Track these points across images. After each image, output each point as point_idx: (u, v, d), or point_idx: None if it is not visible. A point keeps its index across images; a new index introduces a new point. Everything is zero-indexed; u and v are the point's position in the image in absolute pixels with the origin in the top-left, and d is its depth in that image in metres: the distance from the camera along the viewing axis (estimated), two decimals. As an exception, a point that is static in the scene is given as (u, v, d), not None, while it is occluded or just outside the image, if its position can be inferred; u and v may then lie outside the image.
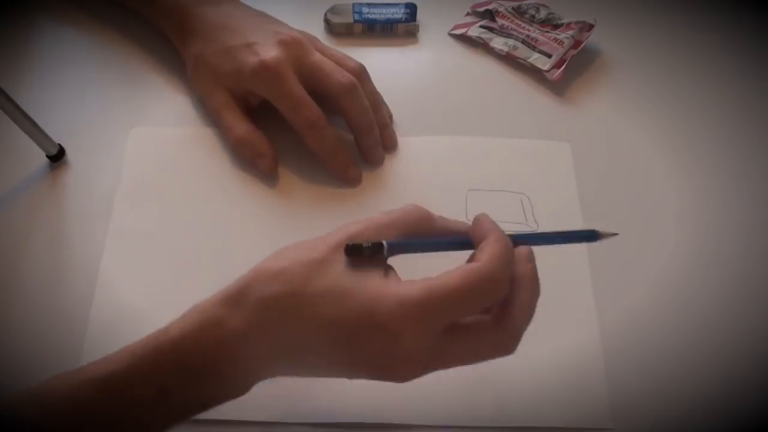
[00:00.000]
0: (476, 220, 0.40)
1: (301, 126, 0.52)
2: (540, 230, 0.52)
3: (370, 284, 0.37)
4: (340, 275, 0.37)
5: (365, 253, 0.37)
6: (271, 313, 0.37)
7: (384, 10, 0.63)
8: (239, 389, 0.39)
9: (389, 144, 0.56)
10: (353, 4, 0.64)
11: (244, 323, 0.37)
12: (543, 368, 0.46)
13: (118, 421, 0.36)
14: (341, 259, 0.37)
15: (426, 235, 0.41)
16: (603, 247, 0.51)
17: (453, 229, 0.42)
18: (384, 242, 0.37)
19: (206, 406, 0.39)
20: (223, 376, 0.38)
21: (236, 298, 0.37)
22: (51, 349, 0.45)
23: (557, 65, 0.60)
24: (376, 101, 0.56)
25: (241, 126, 0.54)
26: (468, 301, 0.36)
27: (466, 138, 0.57)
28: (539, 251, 0.44)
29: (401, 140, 0.57)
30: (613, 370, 0.46)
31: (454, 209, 0.52)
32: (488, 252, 0.37)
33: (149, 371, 0.36)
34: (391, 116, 0.58)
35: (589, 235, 0.42)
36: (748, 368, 0.47)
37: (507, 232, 0.39)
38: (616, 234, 0.42)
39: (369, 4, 0.64)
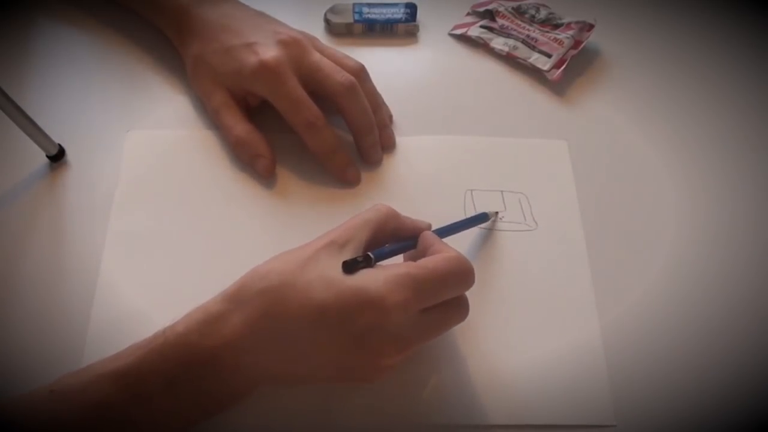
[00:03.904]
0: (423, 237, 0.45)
1: (300, 126, 0.52)
2: (531, 230, 0.53)
3: (357, 272, 0.40)
4: (328, 266, 0.40)
5: (360, 266, 0.40)
6: (269, 304, 0.39)
7: (384, 10, 0.63)
8: (241, 386, 0.41)
9: (388, 144, 0.56)
10: (353, 4, 0.64)
11: (244, 316, 0.39)
12: (545, 366, 0.46)
13: (132, 416, 0.38)
14: (327, 256, 0.41)
15: (394, 229, 0.45)
16: (603, 245, 0.51)
17: (418, 227, 0.46)
18: (371, 254, 0.41)
19: (210, 409, 0.41)
20: (226, 370, 0.40)
21: (236, 294, 0.40)
22: (53, 348, 0.45)
23: (557, 65, 0.60)
24: (375, 101, 0.56)
25: (240, 126, 0.54)
26: (447, 281, 0.41)
27: (463, 137, 0.57)
28: (541, 255, 0.51)
29: (400, 140, 0.57)
30: (614, 367, 0.46)
31: (452, 209, 0.53)
32: (453, 250, 0.42)
33: (158, 363, 0.39)
34: (390, 116, 0.58)
35: (482, 218, 0.51)
36: (749, 365, 0.47)
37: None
38: (497, 212, 0.52)
39: (369, 4, 0.64)
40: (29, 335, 0.46)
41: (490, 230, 0.52)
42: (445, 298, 0.41)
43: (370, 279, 0.39)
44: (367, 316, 0.38)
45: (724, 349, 0.48)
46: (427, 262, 0.41)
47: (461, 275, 0.41)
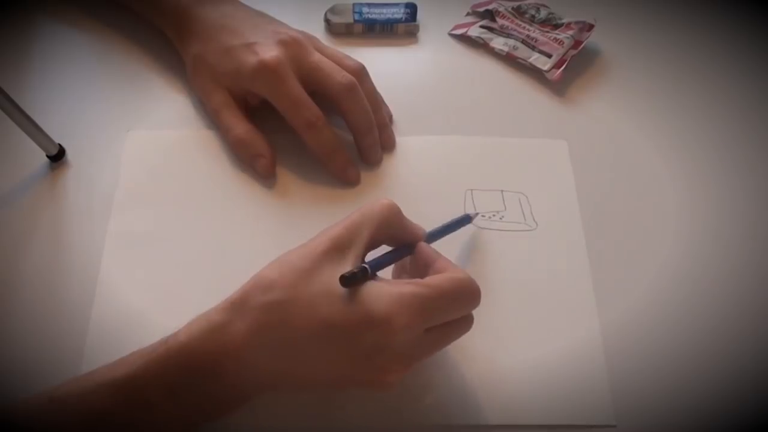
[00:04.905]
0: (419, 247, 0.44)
1: (300, 126, 0.52)
2: (531, 229, 0.53)
3: (363, 286, 0.39)
4: (331, 278, 0.39)
5: (358, 277, 0.39)
6: (272, 318, 0.39)
7: (384, 10, 0.63)
8: (243, 393, 0.41)
9: (388, 144, 0.56)
10: (353, 4, 0.64)
11: (247, 326, 0.39)
12: (545, 366, 0.46)
13: (133, 423, 0.38)
14: (330, 265, 0.40)
15: (396, 228, 0.44)
16: (603, 245, 0.51)
17: (415, 232, 0.45)
18: (368, 266, 0.40)
19: (212, 414, 0.41)
20: (228, 378, 0.39)
21: (238, 303, 0.40)
22: (53, 349, 0.45)
23: (557, 65, 0.60)
24: (375, 101, 0.56)
25: (240, 126, 0.54)
26: (454, 303, 0.40)
27: (463, 137, 0.57)
28: (541, 255, 0.51)
29: (400, 140, 0.57)
30: (614, 367, 0.46)
31: (452, 209, 0.52)
32: (461, 270, 0.41)
33: (159, 372, 0.38)
34: (390, 116, 0.58)
35: (465, 220, 0.50)
36: (749, 365, 0.47)
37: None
38: (477, 213, 0.52)
39: (369, 4, 0.64)
40: (29, 335, 0.46)
41: (490, 230, 0.52)
42: (450, 318, 0.40)
43: (375, 297, 0.38)
44: (372, 335, 0.38)
45: (725, 349, 0.48)
46: (433, 281, 0.40)
47: (468, 296, 0.41)
